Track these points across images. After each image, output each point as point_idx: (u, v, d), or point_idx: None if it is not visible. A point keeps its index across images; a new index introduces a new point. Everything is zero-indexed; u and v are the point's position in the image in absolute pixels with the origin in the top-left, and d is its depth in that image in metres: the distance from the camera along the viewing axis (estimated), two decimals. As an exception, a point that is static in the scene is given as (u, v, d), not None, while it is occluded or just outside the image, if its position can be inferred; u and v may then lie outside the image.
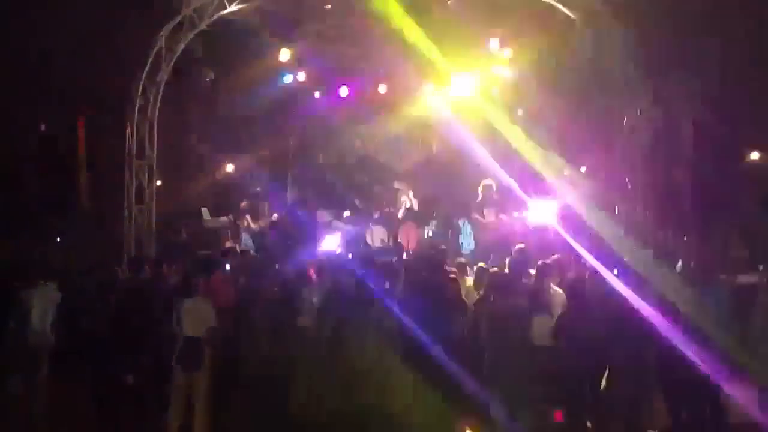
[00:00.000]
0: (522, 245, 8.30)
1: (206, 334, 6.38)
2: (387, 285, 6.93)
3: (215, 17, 11.13)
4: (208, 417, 6.42)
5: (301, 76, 13.86)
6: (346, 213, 12.43)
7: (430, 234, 12.37)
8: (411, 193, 12.86)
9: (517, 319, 5.80)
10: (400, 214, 12.53)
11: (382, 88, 14.31)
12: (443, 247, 10.41)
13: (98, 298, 7.22)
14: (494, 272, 6.74)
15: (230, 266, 8.52)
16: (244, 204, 12.59)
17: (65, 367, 7.11)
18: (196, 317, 6.40)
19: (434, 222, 12.43)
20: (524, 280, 6.92)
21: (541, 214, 11.14)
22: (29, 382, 6.70)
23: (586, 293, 6.18)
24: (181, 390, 6.38)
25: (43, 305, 6.85)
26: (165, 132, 12.03)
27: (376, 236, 12.62)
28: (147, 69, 11.29)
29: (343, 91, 14.37)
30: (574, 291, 6.33)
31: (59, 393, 7.01)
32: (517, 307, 5.86)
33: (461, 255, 10.85)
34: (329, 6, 11.44)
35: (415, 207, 12.65)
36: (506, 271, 7.02)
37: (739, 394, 5.89)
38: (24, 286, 6.90)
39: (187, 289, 6.64)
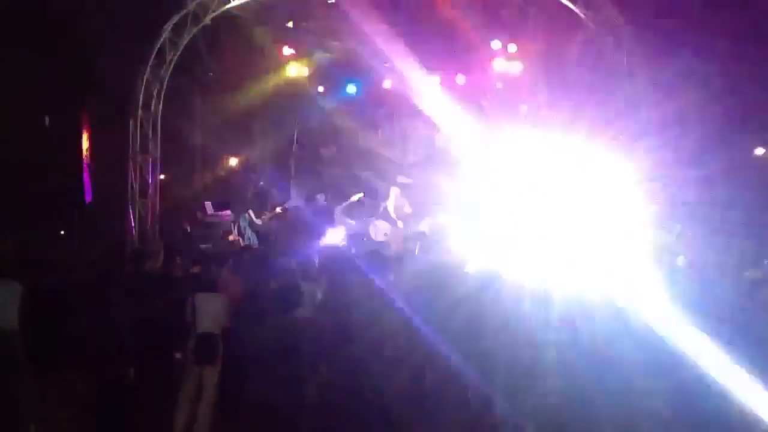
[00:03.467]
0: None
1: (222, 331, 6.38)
2: (391, 277, 6.91)
3: (219, 12, 11.13)
4: (214, 411, 6.40)
5: (304, 71, 13.83)
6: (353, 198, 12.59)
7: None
8: (395, 192, 12.87)
9: (517, 315, 5.77)
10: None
11: (387, 84, 14.26)
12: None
13: (101, 291, 7.17)
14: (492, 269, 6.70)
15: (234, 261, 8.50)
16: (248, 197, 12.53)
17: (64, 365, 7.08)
18: (211, 312, 6.40)
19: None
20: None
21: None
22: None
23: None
24: (192, 382, 6.37)
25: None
26: (169, 126, 12.03)
27: (380, 231, 12.62)
28: (151, 63, 11.29)
29: (351, 89, 14.35)
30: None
31: (58, 389, 6.99)
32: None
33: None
34: (333, 0, 11.41)
35: (405, 208, 12.61)
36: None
37: (741, 391, 5.85)
38: None
39: (210, 284, 6.62)
